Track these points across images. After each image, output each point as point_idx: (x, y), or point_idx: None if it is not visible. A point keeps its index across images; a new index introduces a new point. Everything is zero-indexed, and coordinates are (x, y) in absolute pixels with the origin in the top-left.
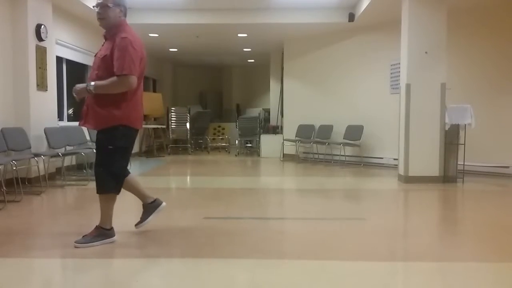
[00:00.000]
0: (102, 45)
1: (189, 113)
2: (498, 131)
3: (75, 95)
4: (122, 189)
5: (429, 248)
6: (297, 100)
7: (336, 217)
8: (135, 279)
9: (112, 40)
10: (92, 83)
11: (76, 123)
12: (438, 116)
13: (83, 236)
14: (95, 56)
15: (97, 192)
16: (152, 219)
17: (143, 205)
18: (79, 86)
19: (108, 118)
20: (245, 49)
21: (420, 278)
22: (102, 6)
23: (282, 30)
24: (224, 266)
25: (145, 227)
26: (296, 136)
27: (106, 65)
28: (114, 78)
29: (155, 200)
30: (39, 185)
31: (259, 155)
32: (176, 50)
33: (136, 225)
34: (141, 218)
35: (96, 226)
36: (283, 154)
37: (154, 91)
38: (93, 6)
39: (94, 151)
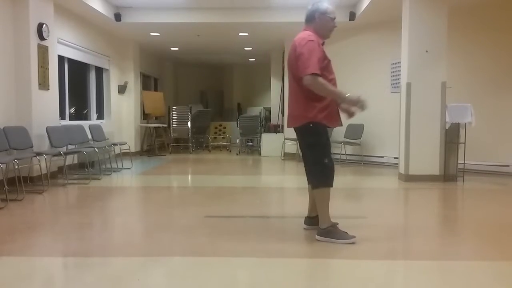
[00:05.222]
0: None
1: (190, 112)
2: (499, 130)
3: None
4: None
5: (429, 246)
6: None
7: (337, 215)
8: (136, 278)
9: None
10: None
11: (77, 122)
12: (439, 115)
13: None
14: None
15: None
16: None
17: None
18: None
19: None
20: (246, 48)
21: (420, 277)
22: None
23: (283, 29)
24: (225, 265)
25: (146, 226)
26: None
27: None
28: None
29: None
30: (41, 184)
31: (260, 154)
32: (177, 49)
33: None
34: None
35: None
36: (284, 153)
37: (156, 90)
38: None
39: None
